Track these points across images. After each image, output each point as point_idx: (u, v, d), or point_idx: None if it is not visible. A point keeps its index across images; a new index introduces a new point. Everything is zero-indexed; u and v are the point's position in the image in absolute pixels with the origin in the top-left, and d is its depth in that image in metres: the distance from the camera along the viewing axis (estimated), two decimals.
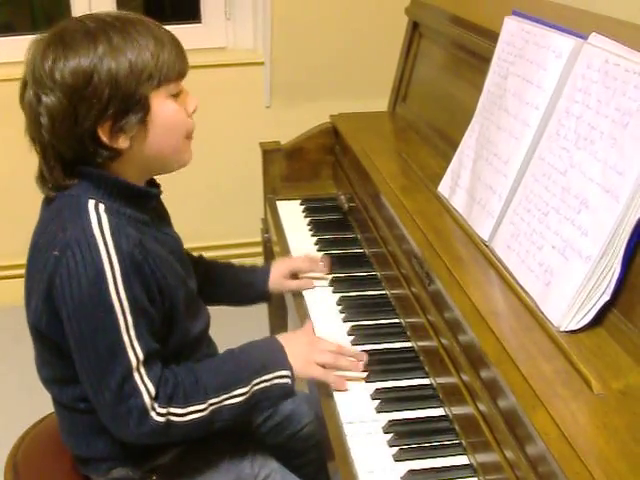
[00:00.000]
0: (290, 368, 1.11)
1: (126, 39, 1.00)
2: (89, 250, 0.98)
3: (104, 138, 1.01)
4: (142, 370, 1.02)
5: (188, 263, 1.21)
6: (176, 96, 1.07)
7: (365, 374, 1.17)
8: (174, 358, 1.10)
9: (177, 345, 1.12)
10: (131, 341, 1.00)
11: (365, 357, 1.18)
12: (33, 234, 1.09)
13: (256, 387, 1.09)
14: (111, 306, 0.99)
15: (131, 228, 1.03)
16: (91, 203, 1.02)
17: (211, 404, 1.06)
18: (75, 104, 0.98)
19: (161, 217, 1.20)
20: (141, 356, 1.01)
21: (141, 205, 1.09)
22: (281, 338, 1.16)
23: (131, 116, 1.01)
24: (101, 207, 1.02)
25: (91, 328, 0.99)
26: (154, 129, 1.04)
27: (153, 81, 1.02)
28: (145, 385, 1.02)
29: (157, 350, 1.05)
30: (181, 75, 1.07)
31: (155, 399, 1.02)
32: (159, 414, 1.02)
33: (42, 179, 1.07)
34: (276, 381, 1.10)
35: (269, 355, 1.13)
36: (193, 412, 1.05)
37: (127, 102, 1.00)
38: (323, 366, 1.14)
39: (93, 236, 0.99)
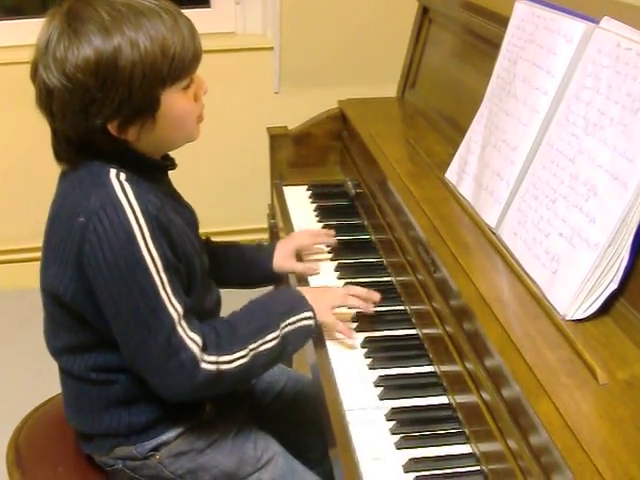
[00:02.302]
0: (312, 309, 1.16)
1: (138, 33, 0.97)
2: (116, 214, 0.99)
3: (112, 131, 1.02)
4: (184, 324, 1.04)
5: (201, 238, 1.24)
6: (187, 87, 1.06)
7: (373, 309, 1.25)
8: None
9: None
10: (169, 298, 1.02)
11: (378, 297, 1.25)
12: (52, 206, 1.10)
13: (284, 330, 1.12)
14: (146, 266, 1.00)
15: (152, 195, 1.05)
16: (112, 172, 1.03)
17: (251, 349, 1.09)
18: (87, 104, 0.98)
19: (174, 192, 1.22)
20: (180, 310, 1.03)
21: (156, 178, 1.11)
22: (297, 288, 1.24)
23: (141, 115, 1.02)
24: (122, 176, 1.03)
25: (129, 291, 1.01)
26: (163, 122, 1.05)
27: (166, 82, 1.02)
28: (190, 337, 1.04)
29: (191, 305, 1.07)
30: (195, 68, 1.06)
31: (204, 349, 1.05)
32: (210, 362, 1.05)
33: (57, 152, 1.08)
34: (301, 323, 1.14)
35: (291, 299, 1.18)
36: (238, 358, 1.08)
37: (139, 105, 1.01)
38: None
39: (118, 200, 1.00)
